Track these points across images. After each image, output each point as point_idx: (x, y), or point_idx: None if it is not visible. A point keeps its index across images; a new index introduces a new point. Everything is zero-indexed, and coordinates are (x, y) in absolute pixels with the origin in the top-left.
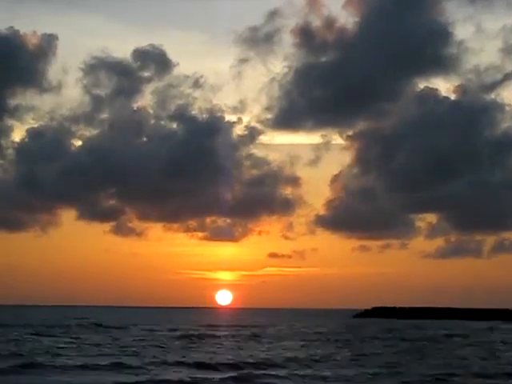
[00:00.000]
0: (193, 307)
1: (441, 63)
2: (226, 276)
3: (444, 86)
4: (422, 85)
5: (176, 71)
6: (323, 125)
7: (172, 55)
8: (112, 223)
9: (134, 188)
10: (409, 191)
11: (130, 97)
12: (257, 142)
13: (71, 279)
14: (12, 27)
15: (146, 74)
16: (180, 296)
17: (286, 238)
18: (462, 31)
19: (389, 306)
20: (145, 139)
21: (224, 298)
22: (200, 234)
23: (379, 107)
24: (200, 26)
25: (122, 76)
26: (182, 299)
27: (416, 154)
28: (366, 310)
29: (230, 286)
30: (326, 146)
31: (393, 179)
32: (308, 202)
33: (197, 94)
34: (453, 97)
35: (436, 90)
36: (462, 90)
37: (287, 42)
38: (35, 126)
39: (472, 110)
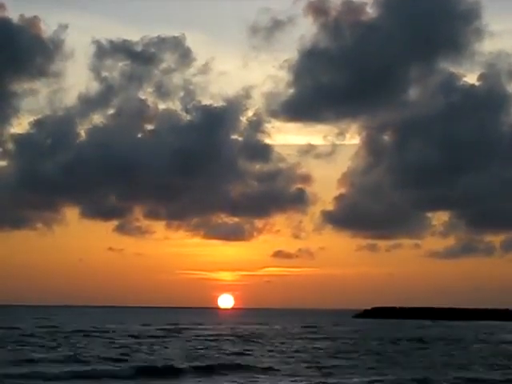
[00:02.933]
0: (193, 307)
1: (464, 48)
2: (229, 276)
3: (467, 73)
4: (442, 72)
5: (188, 59)
6: (335, 116)
7: (185, 43)
8: (115, 222)
9: (138, 185)
10: (420, 188)
11: (136, 86)
12: (266, 134)
13: (71, 279)
14: (22, 15)
15: (155, 61)
16: (180, 297)
17: (290, 237)
18: (490, 16)
19: (389, 306)
20: (151, 130)
21: (226, 300)
22: (202, 233)
23: (397, 96)
24: (212, 14)
25: (129, 64)
26: (182, 300)
27: (432, 148)
28: (366, 311)
29: (234, 286)
30: (338, 139)
31: (402, 175)
32: (315, 199)
33: (204, 82)
34: (475, 85)
35: (458, 76)
36: (484, 77)
37: (304, 27)
38: (40, 116)
39: (496, 99)
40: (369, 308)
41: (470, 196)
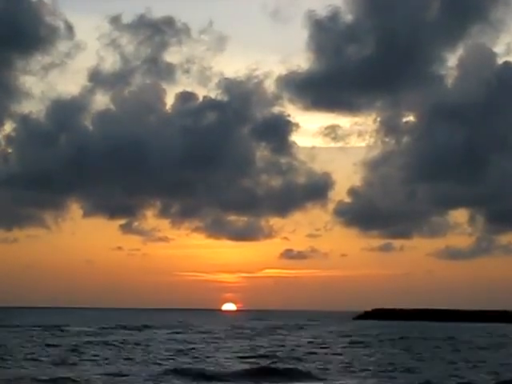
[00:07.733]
0: (196, 309)
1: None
2: (233, 278)
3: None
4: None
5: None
6: (357, 102)
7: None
8: (119, 221)
9: (142, 182)
10: (437, 182)
11: (148, 68)
12: (279, 120)
13: (72, 279)
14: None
15: (169, 41)
16: (180, 298)
17: (296, 237)
18: None
19: (389, 307)
20: (156, 119)
21: (230, 301)
22: (204, 233)
23: (424, 79)
24: None
25: (140, 45)
26: (182, 301)
27: (455, 140)
28: (366, 312)
29: (238, 287)
30: (357, 126)
31: (423, 169)
32: (325, 197)
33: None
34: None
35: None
36: None
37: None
38: (45, 102)
39: None
40: (369, 310)
41: (492, 193)
